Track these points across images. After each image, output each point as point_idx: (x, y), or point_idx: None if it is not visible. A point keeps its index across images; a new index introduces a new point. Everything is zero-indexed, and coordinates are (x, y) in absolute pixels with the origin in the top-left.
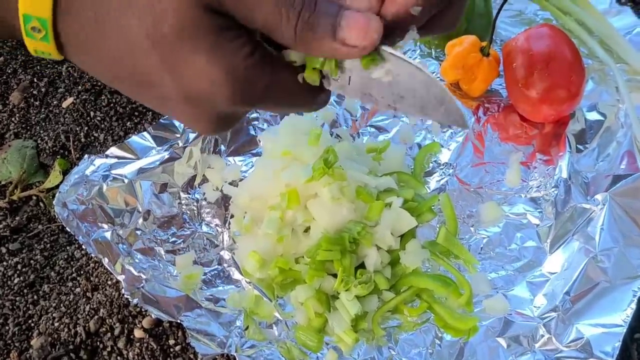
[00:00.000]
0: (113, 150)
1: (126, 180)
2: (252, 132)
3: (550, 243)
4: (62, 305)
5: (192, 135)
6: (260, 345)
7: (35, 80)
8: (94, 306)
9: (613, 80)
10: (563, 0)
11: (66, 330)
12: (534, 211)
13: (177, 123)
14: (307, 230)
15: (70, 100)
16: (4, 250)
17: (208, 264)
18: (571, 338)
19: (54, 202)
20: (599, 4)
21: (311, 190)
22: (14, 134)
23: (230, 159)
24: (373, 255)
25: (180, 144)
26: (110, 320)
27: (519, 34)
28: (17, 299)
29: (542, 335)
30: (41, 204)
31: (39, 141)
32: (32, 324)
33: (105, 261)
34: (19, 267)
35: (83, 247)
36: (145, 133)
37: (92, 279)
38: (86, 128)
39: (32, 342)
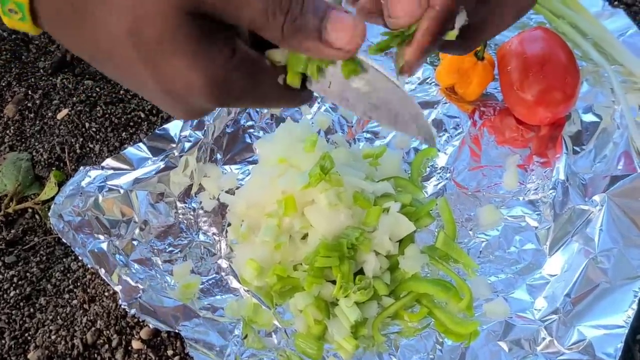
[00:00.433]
0: (109, 161)
1: (122, 191)
2: (248, 140)
3: (550, 245)
4: (58, 317)
5: (187, 145)
6: (259, 354)
7: (30, 93)
8: (91, 318)
9: (608, 81)
10: (556, 4)
11: (63, 342)
12: (532, 214)
13: (172, 133)
14: (304, 237)
15: (65, 111)
16: None
17: (206, 273)
18: (573, 340)
19: (49, 213)
20: (591, 7)
21: (308, 197)
22: (9, 146)
23: (227, 167)
24: (372, 261)
25: (176, 154)
26: (108, 332)
27: (513, 37)
28: (14, 312)
29: (544, 338)
30: (37, 217)
31: (34, 153)
32: (29, 337)
33: (102, 272)
34: (15, 279)
35: (79, 258)
36: (140, 144)
37: (88, 290)
38: (81, 139)
39: (28, 356)
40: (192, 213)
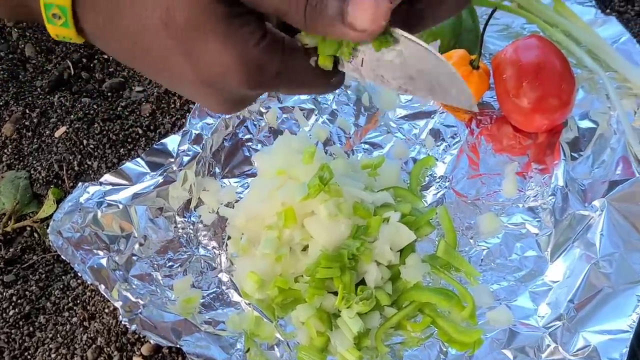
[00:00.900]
0: (107, 177)
1: (121, 206)
2: (247, 153)
3: (551, 252)
4: (58, 335)
5: (186, 159)
6: None
7: (27, 111)
8: (92, 335)
9: (603, 88)
10: (549, 13)
11: None
12: (533, 220)
13: (170, 148)
14: (305, 248)
15: (62, 129)
16: None
17: (206, 287)
18: (578, 346)
19: (48, 230)
20: (584, 15)
21: (308, 209)
22: (7, 165)
23: (226, 180)
24: (373, 271)
25: (175, 168)
26: (109, 349)
27: (507, 46)
28: (13, 331)
29: (549, 345)
30: (35, 235)
31: (32, 172)
32: (29, 356)
33: (102, 288)
34: (14, 298)
35: (79, 275)
36: (138, 159)
37: (88, 307)
38: (79, 156)
39: None
40: (191, 227)
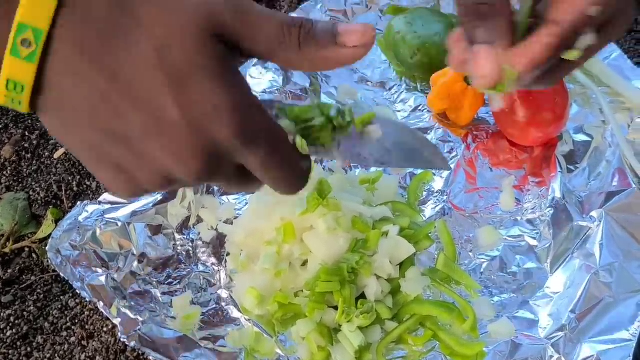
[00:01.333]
0: (106, 196)
1: (119, 224)
2: None
3: (551, 263)
4: (56, 355)
5: None
6: None
7: (27, 134)
8: (90, 354)
9: (596, 102)
10: None
11: None
12: (531, 232)
13: None
14: (304, 263)
15: (62, 150)
16: None
17: (206, 303)
18: (581, 357)
19: (47, 248)
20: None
21: (306, 223)
22: (6, 187)
23: (224, 198)
24: (373, 285)
25: None
26: None
27: None
28: (10, 352)
29: (552, 356)
30: (34, 255)
31: (31, 193)
32: None
33: (101, 305)
34: (12, 319)
35: (77, 295)
36: None
37: (87, 327)
38: (78, 177)
39: None
40: (190, 244)
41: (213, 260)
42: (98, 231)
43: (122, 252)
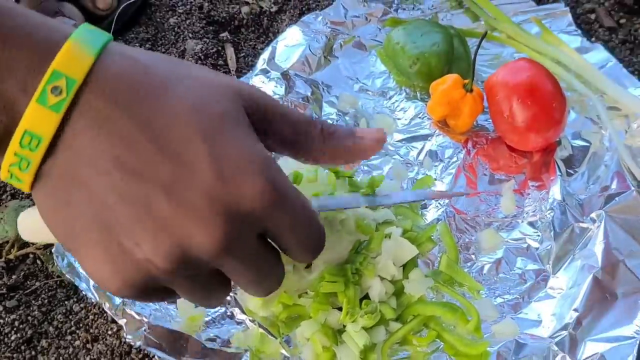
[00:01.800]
0: None
1: None
2: None
3: (552, 264)
4: (61, 358)
5: None
6: None
7: None
8: (95, 356)
9: (593, 109)
10: (537, 42)
11: None
12: (533, 235)
13: None
14: (308, 266)
15: None
16: (0, 308)
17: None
18: (585, 355)
19: (52, 250)
20: (570, 43)
21: None
22: (11, 195)
23: None
24: (377, 286)
25: None
26: None
27: (499, 69)
28: (15, 355)
29: (556, 355)
30: (38, 262)
31: None
32: None
33: (106, 306)
34: (16, 323)
35: (82, 298)
36: None
37: (91, 330)
38: None
39: None
40: None
41: None
42: None
43: None
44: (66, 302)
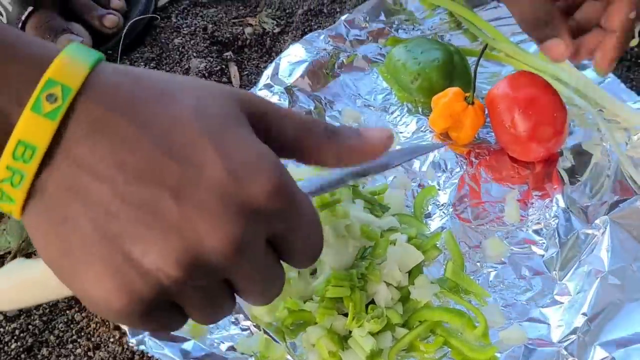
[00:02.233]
0: None
1: None
2: None
3: (559, 271)
4: None
5: None
6: None
7: None
8: None
9: (593, 122)
10: (536, 60)
11: None
12: (538, 242)
13: None
14: (313, 272)
15: None
16: (0, 317)
17: None
18: (595, 359)
19: None
20: (568, 61)
21: None
22: None
23: None
24: (383, 291)
25: None
26: None
27: (499, 82)
28: None
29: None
30: None
31: None
32: None
33: None
34: (17, 332)
35: (84, 308)
36: None
37: (93, 339)
38: None
39: None
40: None
41: None
42: None
43: None
44: (67, 312)
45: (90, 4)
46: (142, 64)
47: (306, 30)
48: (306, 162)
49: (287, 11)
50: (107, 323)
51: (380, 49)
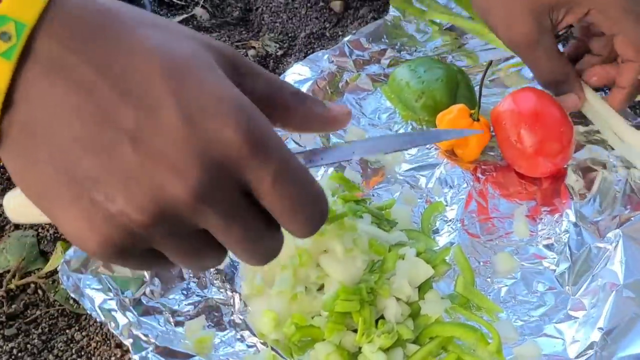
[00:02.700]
0: None
1: None
2: None
3: (572, 285)
4: None
5: None
6: None
7: None
8: None
9: (599, 139)
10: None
11: None
12: (549, 257)
13: None
14: (321, 288)
15: None
16: None
17: (220, 329)
18: None
19: (58, 268)
20: None
21: (322, 247)
22: (14, 225)
23: None
24: (392, 306)
25: None
26: None
27: (504, 98)
28: None
29: None
30: (39, 292)
31: (39, 230)
32: None
33: (112, 325)
34: (15, 351)
35: (84, 327)
36: None
37: (93, 358)
38: None
39: None
40: (203, 271)
41: (227, 286)
42: None
43: (134, 278)
44: (67, 331)
45: None
46: None
47: (309, 52)
48: (272, 122)
49: (290, 35)
50: (108, 341)
51: (384, 69)
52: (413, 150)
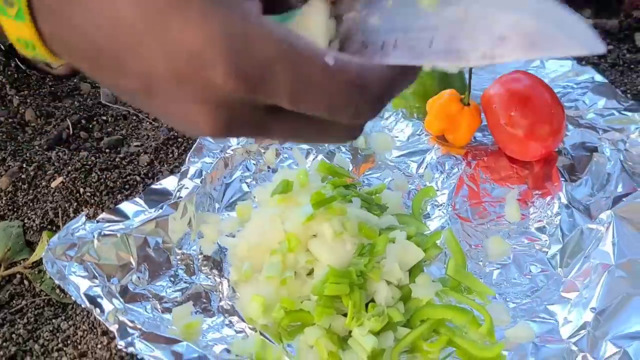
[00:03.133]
0: (104, 215)
1: (119, 235)
2: (246, 189)
3: (564, 267)
4: None
5: (185, 192)
6: None
7: (24, 166)
8: None
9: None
10: None
11: None
12: (541, 240)
13: (169, 188)
14: (310, 273)
15: (59, 179)
16: None
17: (209, 315)
18: (608, 353)
19: (42, 255)
20: (561, 67)
21: (311, 232)
22: (0, 216)
23: (226, 214)
24: (383, 290)
25: (174, 201)
26: None
27: (494, 82)
28: None
29: (577, 355)
30: (25, 282)
31: (25, 220)
32: None
33: (97, 312)
34: None
35: (70, 316)
36: (137, 198)
37: (79, 347)
38: (75, 204)
39: None
40: (190, 258)
41: (215, 272)
42: (96, 242)
43: (120, 265)
44: (53, 320)
45: None
46: None
47: None
48: None
49: None
50: (94, 330)
51: None
52: (404, 137)
